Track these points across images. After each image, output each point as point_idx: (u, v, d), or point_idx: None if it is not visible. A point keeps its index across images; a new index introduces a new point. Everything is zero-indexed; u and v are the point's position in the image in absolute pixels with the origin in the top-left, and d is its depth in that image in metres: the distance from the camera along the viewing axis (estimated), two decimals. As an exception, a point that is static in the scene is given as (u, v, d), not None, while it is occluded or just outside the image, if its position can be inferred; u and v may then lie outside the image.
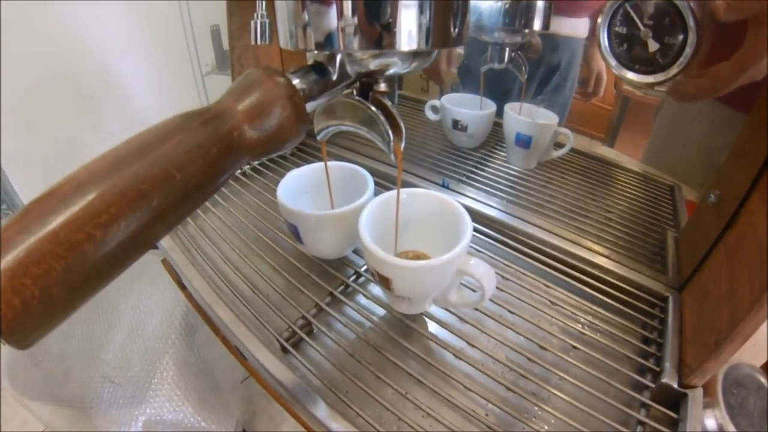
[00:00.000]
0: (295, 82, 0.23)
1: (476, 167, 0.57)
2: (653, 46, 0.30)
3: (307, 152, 0.65)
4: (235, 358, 0.50)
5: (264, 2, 0.42)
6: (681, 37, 0.28)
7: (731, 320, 0.27)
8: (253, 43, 0.44)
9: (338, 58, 0.25)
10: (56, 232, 0.15)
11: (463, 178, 0.55)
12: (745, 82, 0.26)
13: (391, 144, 0.26)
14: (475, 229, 0.47)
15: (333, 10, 0.21)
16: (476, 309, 0.38)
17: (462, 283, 0.39)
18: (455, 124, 0.58)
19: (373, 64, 0.25)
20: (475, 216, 0.48)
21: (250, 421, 0.95)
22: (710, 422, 0.30)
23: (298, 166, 0.44)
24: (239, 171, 0.59)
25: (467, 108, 0.57)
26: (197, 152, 0.18)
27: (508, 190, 0.52)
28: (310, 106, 0.24)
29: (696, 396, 0.30)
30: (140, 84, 1.14)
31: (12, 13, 0.86)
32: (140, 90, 1.15)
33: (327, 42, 0.22)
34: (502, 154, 0.59)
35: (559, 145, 0.52)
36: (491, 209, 0.49)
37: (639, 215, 0.48)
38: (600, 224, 0.47)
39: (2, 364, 0.72)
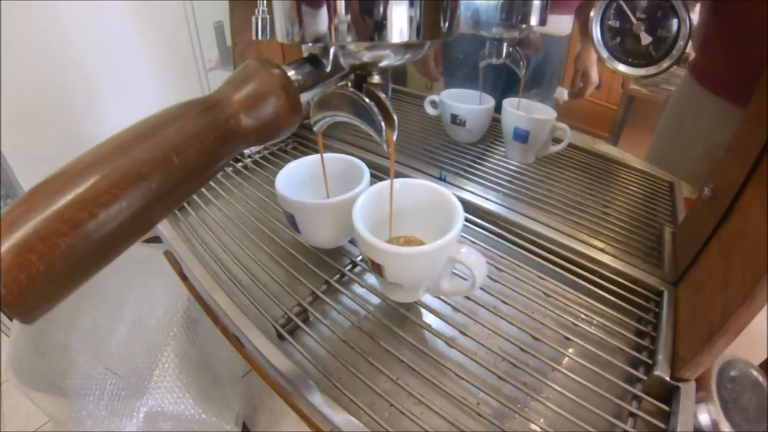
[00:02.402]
0: (290, 73, 0.23)
1: (475, 161, 0.57)
2: (646, 39, 0.30)
3: (306, 146, 0.66)
4: (235, 350, 0.50)
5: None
6: (674, 30, 0.29)
7: (724, 313, 0.27)
8: (254, 38, 0.44)
9: (332, 50, 0.25)
10: (61, 211, 0.15)
11: (461, 172, 0.55)
12: None
13: (384, 134, 0.27)
14: (472, 222, 0.48)
15: (326, 4, 0.21)
16: (470, 299, 0.38)
17: (454, 272, 0.39)
18: (454, 118, 0.58)
19: (366, 57, 0.25)
20: (473, 209, 0.49)
21: (251, 415, 0.96)
22: (704, 417, 0.30)
23: (297, 159, 0.44)
24: (240, 164, 0.59)
25: (466, 103, 0.57)
26: (195, 138, 0.19)
27: (506, 184, 0.53)
28: (304, 97, 0.24)
29: (688, 389, 0.30)
30: (144, 79, 1.16)
31: (18, 7, 0.88)
32: (144, 85, 1.16)
33: (320, 35, 0.22)
34: (501, 148, 0.59)
35: (557, 141, 0.53)
36: (488, 202, 0.49)
37: (637, 211, 0.48)
38: (597, 219, 0.47)
39: (8, 356, 0.73)
